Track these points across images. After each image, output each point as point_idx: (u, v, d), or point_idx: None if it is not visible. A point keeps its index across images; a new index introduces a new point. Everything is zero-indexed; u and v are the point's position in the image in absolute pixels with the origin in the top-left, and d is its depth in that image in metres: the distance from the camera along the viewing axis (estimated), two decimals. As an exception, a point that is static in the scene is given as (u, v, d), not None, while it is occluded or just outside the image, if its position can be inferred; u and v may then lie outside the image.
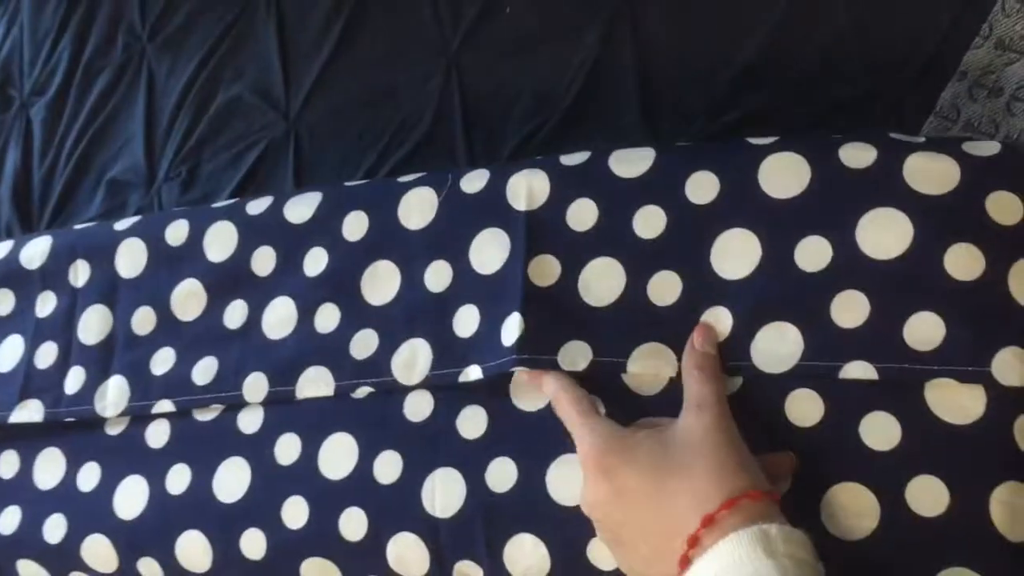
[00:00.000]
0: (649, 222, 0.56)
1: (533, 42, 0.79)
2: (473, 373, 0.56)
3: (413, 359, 0.58)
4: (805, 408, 0.51)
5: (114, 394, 0.64)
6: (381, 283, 0.61)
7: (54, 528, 0.63)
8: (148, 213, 0.84)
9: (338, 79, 0.85)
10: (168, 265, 0.66)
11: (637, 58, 0.76)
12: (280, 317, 0.62)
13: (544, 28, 0.79)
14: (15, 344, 0.68)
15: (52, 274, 0.69)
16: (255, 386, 0.61)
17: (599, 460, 0.49)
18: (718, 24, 0.75)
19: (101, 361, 0.66)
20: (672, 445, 0.48)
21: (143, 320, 0.66)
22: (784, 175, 0.54)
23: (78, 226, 0.73)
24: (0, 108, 0.99)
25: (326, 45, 0.86)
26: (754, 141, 0.56)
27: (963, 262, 0.49)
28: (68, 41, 0.96)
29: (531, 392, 0.56)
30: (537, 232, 0.58)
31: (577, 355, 0.54)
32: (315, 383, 0.60)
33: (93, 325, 0.67)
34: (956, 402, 0.48)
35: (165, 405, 0.63)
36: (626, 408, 0.54)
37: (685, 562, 0.44)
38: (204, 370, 0.63)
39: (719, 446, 0.47)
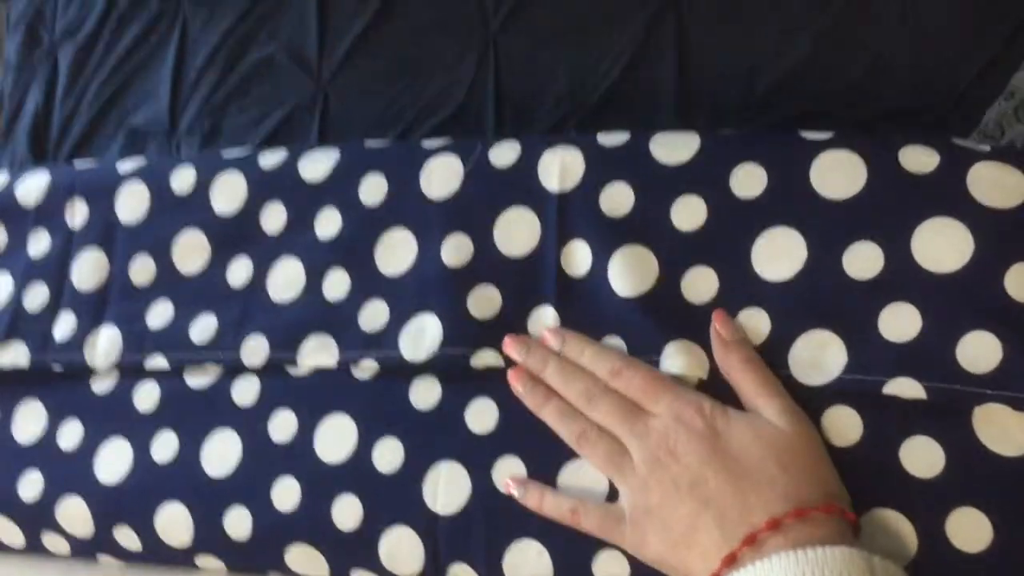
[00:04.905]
0: (689, 213, 0.52)
1: (575, 29, 0.76)
2: (489, 358, 0.53)
3: (421, 334, 0.55)
4: (843, 426, 0.47)
5: (105, 345, 0.60)
6: (396, 252, 0.57)
7: (29, 485, 0.59)
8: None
9: (373, 48, 0.82)
10: (171, 213, 0.62)
11: (678, 52, 0.73)
12: (287, 278, 0.59)
13: (588, 16, 0.76)
14: (3, 283, 0.64)
15: (47, 212, 0.65)
16: (255, 349, 0.57)
17: (706, 410, 0.48)
18: (766, 25, 0.71)
19: (94, 309, 0.62)
20: (765, 437, 0.46)
21: (141, 269, 0.62)
22: (838, 174, 0.50)
23: (79, 163, 0.70)
24: (28, 48, 0.96)
25: (365, 13, 0.82)
26: (808, 135, 0.52)
27: None
28: (104, -16, 0.93)
29: None
30: (568, 216, 0.54)
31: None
32: (318, 352, 0.56)
33: (88, 270, 0.63)
34: (1007, 431, 0.45)
35: (159, 360, 0.59)
36: None
37: (751, 540, 0.43)
38: (203, 328, 0.59)
39: (815, 446, 0.46)
